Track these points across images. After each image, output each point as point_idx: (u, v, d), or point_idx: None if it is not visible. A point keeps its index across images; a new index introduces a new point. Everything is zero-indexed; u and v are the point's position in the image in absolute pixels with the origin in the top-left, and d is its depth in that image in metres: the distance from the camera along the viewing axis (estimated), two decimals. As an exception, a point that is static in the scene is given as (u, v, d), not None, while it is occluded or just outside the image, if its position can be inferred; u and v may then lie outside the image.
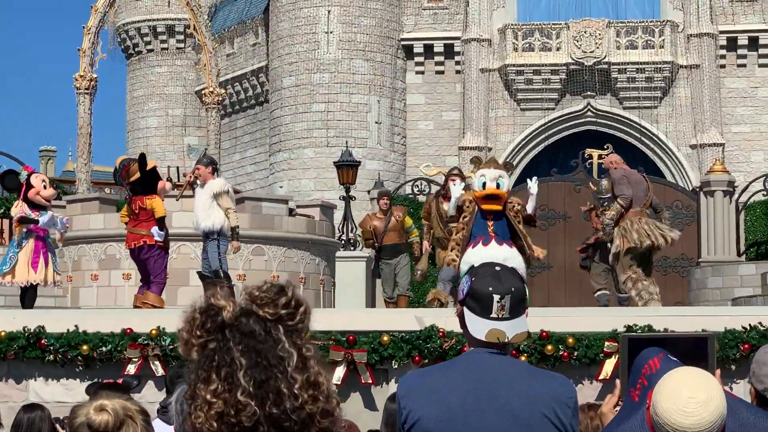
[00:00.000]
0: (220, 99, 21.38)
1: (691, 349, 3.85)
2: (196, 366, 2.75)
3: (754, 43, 36.92)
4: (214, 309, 2.76)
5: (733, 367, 11.06)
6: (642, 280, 14.81)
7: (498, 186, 13.79)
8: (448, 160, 36.27)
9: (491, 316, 3.96)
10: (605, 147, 25.15)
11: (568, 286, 21.29)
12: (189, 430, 2.73)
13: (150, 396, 11.18)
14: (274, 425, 2.68)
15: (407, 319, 11.52)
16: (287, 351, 2.71)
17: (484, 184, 13.83)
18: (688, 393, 3.37)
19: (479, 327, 3.97)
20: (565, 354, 11.22)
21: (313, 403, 2.70)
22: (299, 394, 2.68)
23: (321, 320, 11.62)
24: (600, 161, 25.69)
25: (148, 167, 14.09)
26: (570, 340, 11.22)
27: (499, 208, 13.65)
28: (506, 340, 3.96)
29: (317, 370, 2.73)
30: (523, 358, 10.87)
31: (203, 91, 21.87)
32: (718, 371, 3.86)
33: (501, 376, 3.93)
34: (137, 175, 14.00)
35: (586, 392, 11.13)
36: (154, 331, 11.31)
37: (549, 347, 11.20)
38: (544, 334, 11.23)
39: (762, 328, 10.98)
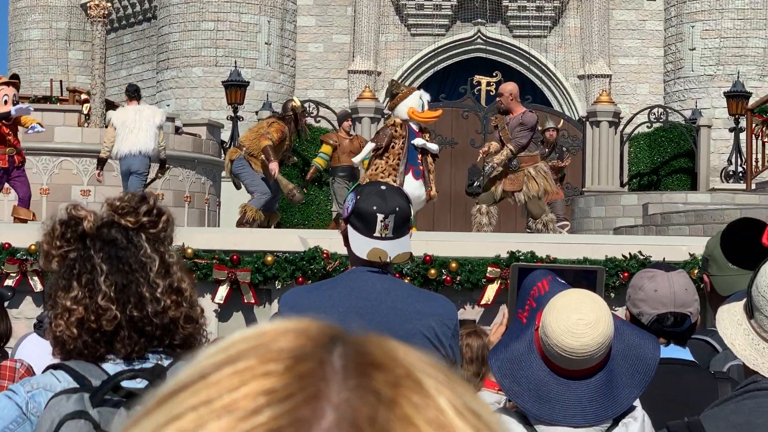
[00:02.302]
0: (106, 13, 20.95)
1: (580, 281, 3.87)
2: (56, 275, 2.72)
3: (643, -24, 37.22)
4: (74, 219, 2.72)
5: (613, 295, 11.23)
6: (553, 221, 15.00)
7: (422, 107, 13.93)
8: (337, 83, 36.13)
9: (374, 235, 3.94)
10: (494, 74, 25.14)
11: (453, 210, 21.39)
12: (50, 339, 2.71)
13: (28, 311, 11.04)
14: (136, 330, 2.67)
15: (291, 240, 11.49)
16: (149, 256, 2.69)
17: (423, 106, 13.89)
18: (576, 315, 3.39)
19: (361, 245, 3.95)
20: (448, 278, 11.30)
21: (176, 308, 2.69)
22: (161, 298, 2.67)
23: (204, 239, 11.56)
24: (489, 89, 25.78)
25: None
26: (453, 265, 11.29)
27: (428, 121, 13.81)
28: (388, 260, 3.95)
29: (180, 276, 2.72)
30: (406, 281, 10.92)
31: (88, 4, 21.41)
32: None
33: (382, 294, 3.92)
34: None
35: (468, 317, 11.23)
36: (33, 246, 11.13)
37: (432, 271, 11.26)
38: (428, 258, 11.28)
39: (641, 257, 11.17)
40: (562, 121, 18.66)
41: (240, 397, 0.69)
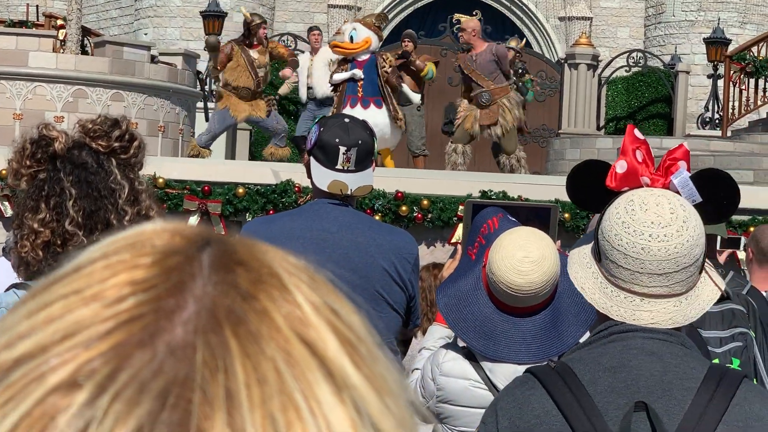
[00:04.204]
0: (85, -62, 20.75)
1: (534, 219, 3.87)
2: (24, 195, 2.71)
3: None
4: (45, 139, 2.70)
5: (588, 232, 11.27)
6: (524, 158, 15.01)
7: (351, 39, 13.85)
8: (317, 17, 35.91)
9: (336, 167, 3.93)
10: (474, 13, 25.00)
11: (429, 149, 21.28)
12: (14, 260, 2.71)
13: (-2, 237, 10.99)
14: None
15: (264, 173, 11.47)
16: (119, 183, 2.68)
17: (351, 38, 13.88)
18: (522, 252, 3.40)
19: (323, 177, 3.94)
20: (419, 216, 11.30)
21: None
22: (129, 226, 2.66)
23: (176, 170, 11.52)
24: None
25: None
26: (425, 202, 11.29)
27: (344, 53, 13.78)
28: (348, 192, 3.94)
29: (149, 204, 2.71)
30: (377, 218, 10.93)
31: (68, -71, 21.19)
32: (558, 242, 3.89)
33: (343, 227, 3.91)
34: None
35: (438, 255, 11.25)
36: (3, 171, 11.08)
37: (404, 208, 11.27)
38: (399, 194, 11.28)
39: (613, 200, 11.19)
40: (524, 40, 18.49)
41: (108, 287, 0.73)
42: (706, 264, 2.72)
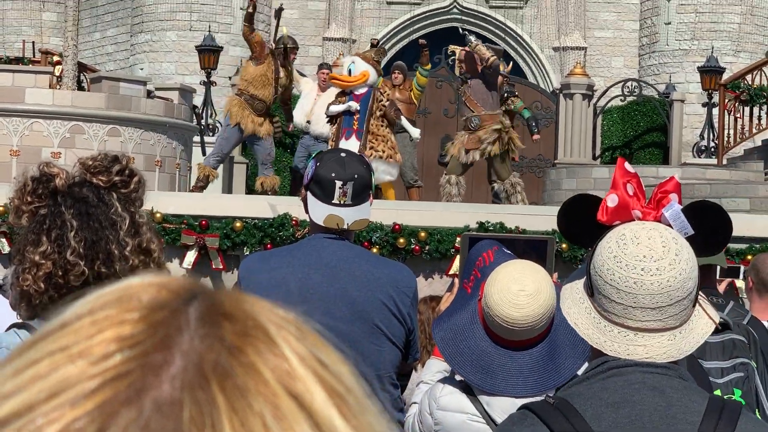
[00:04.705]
0: (81, -25, 20.83)
1: (531, 251, 3.88)
2: (25, 230, 2.72)
3: (621, -51, 37.17)
4: (46, 176, 2.73)
5: (580, 266, 11.27)
6: (520, 184, 15.01)
7: (350, 72, 13.93)
8: (312, 50, 36.00)
9: (333, 201, 3.94)
10: (468, 45, 25.04)
11: (425, 180, 21.32)
12: (16, 294, 2.71)
13: (-5, 273, 10.98)
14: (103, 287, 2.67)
15: (260, 206, 11.48)
16: (120, 215, 2.70)
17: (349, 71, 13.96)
18: (517, 286, 3.40)
19: (319, 212, 3.95)
20: (417, 248, 11.31)
21: (144, 268, 2.71)
22: (130, 257, 2.68)
23: (174, 204, 11.53)
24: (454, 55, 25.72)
25: None
26: (422, 234, 11.30)
27: (342, 86, 13.85)
28: (345, 226, 3.95)
29: (149, 237, 2.73)
30: (375, 251, 10.94)
31: (63, -34, 21.29)
32: (555, 274, 3.90)
33: (341, 261, 3.92)
34: None
35: (436, 287, 11.25)
36: (1, 208, 11.09)
37: (401, 240, 11.28)
38: (397, 227, 11.29)
39: (609, 230, 11.19)
40: (510, 64, 18.46)
41: (94, 344, 0.72)
42: (699, 296, 2.70)
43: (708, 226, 2.75)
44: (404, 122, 14.62)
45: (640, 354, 2.60)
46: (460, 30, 16.16)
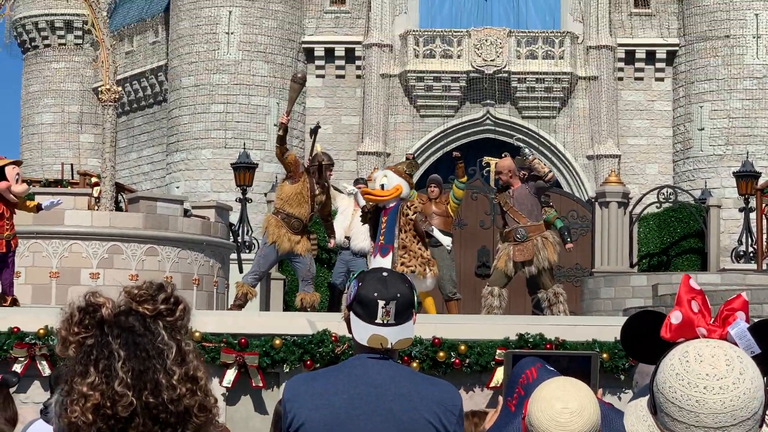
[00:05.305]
0: (118, 96, 21.12)
1: (575, 367, 3.85)
2: (73, 361, 2.73)
3: (651, 57, 37.43)
4: (92, 306, 2.74)
5: (622, 377, 11.17)
6: (563, 294, 14.91)
7: (382, 187, 14.01)
8: (347, 164, 36.25)
9: (376, 321, 3.93)
10: (503, 155, 25.17)
11: (462, 291, 21.32)
12: (64, 426, 2.71)
13: (36, 396, 10.99)
14: (151, 417, 2.67)
15: (299, 323, 11.46)
16: (166, 343, 2.70)
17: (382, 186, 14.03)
18: (561, 404, 3.37)
19: (363, 332, 3.94)
20: (457, 361, 11.24)
21: (191, 396, 2.70)
22: (177, 386, 2.68)
23: (213, 322, 11.54)
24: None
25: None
26: (462, 348, 11.24)
27: (375, 200, 13.90)
28: (389, 346, 3.93)
29: (196, 365, 2.73)
30: (414, 365, 10.88)
31: (100, 89, 21.60)
32: (600, 390, 3.86)
33: (386, 381, 3.90)
34: None
35: (477, 399, 11.17)
36: (41, 331, 11.12)
37: (441, 354, 11.22)
38: (437, 341, 11.24)
39: (651, 339, 11.10)
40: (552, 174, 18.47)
41: None
42: (767, 417, 2.63)
43: None
44: (435, 232, 14.64)
45: None
46: (514, 142, 16.23)
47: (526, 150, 15.00)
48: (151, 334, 2.70)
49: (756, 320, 2.69)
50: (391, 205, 14.05)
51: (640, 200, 30.64)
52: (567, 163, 37.06)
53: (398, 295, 3.98)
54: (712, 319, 2.67)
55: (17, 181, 13.23)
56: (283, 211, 15.01)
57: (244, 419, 11.20)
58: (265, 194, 30.80)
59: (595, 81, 37.00)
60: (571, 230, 20.14)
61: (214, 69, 36.38)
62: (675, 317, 2.67)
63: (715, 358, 2.57)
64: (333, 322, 11.13)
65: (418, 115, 37.22)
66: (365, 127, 36.87)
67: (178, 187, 35.92)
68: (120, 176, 32.75)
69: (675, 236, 30.65)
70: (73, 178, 25.01)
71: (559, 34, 37.05)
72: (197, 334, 10.81)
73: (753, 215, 27.47)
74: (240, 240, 27.15)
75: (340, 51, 37.57)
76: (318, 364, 10.83)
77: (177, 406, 2.68)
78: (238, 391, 11.15)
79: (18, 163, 13.76)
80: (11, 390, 6.86)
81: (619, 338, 11.44)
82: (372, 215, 14.28)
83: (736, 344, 2.63)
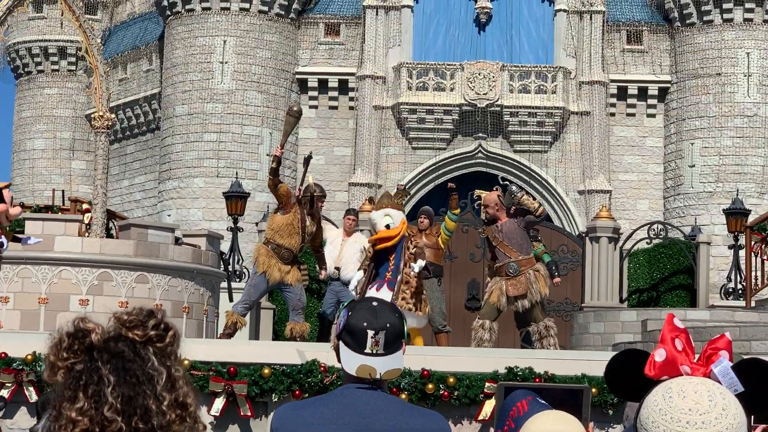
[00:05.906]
0: (110, 123, 21.13)
1: (566, 400, 3.86)
2: (61, 387, 2.72)
3: (643, 93, 37.56)
4: (81, 332, 2.74)
5: (611, 412, 11.19)
6: (553, 328, 14.93)
7: (388, 227, 14.05)
8: (338, 195, 36.28)
9: (365, 351, 3.94)
10: (494, 189, 25.24)
11: (452, 324, 21.35)
12: None
13: (23, 422, 10.97)
14: None
15: (289, 353, 11.46)
16: (156, 369, 2.71)
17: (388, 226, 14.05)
18: None
19: (352, 362, 3.94)
20: (446, 393, 11.25)
21: (180, 422, 2.70)
22: (167, 412, 2.68)
23: (202, 351, 11.53)
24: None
25: None
26: (451, 380, 11.25)
27: (392, 242, 13.91)
28: (378, 376, 3.94)
29: (186, 391, 2.73)
30: (403, 396, 10.88)
31: (93, 116, 21.62)
32: (591, 423, 3.87)
33: (374, 411, 3.90)
34: None
35: (466, 433, 11.16)
36: (29, 357, 11.10)
37: (430, 386, 11.22)
38: (426, 372, 11.24)
39: (640, 374, 11.12)
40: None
41: None
42: None
43: (760, 384, 2.70)
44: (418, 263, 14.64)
45: None
46: (500, 180, 16.26)
47: (514, 187, 15.06)
48: (141, 359, 2.70)
49: (741, 358, 2.71)
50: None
51: (630, 236, 30.69)
52: (558, 197, 37.11)
53: (388, 325, 3.99)
54: (696, 358, 2.69)
55: (12, 203, 13.22)
56: (274, 242, 15.03)
57: (231, 448, 11.18)
58: (257, 224, 30.80)
59: (587, 116, 37.11)
60: (561, 265, 20.18)
61: (207, 98, 36.44)
62: (659, 355, 2.70)
63: (698, 394, 2.60)
64: (322, 353, 11.14)
65: (410, 147, 37.29)
66: (357, 158, 36.93)
67: (169, 215, 35.91)
68: (111, 203, 32.76)
69: (665, 272, 30.70)
70: (64, 205, 24.98)
71: (552, 69, 37.17)
72: (186, 361, 10.80)
73: (742, 252, 27.52)
74: (230, 269, 27.13)
75: (333, 82, 37.66)
76: (307, 394, 10.83)
77: None
78: (227, 419, 11.14)
79: (9, 186, 13.75)
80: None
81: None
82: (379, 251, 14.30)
83: (719, 382, 2.65)
